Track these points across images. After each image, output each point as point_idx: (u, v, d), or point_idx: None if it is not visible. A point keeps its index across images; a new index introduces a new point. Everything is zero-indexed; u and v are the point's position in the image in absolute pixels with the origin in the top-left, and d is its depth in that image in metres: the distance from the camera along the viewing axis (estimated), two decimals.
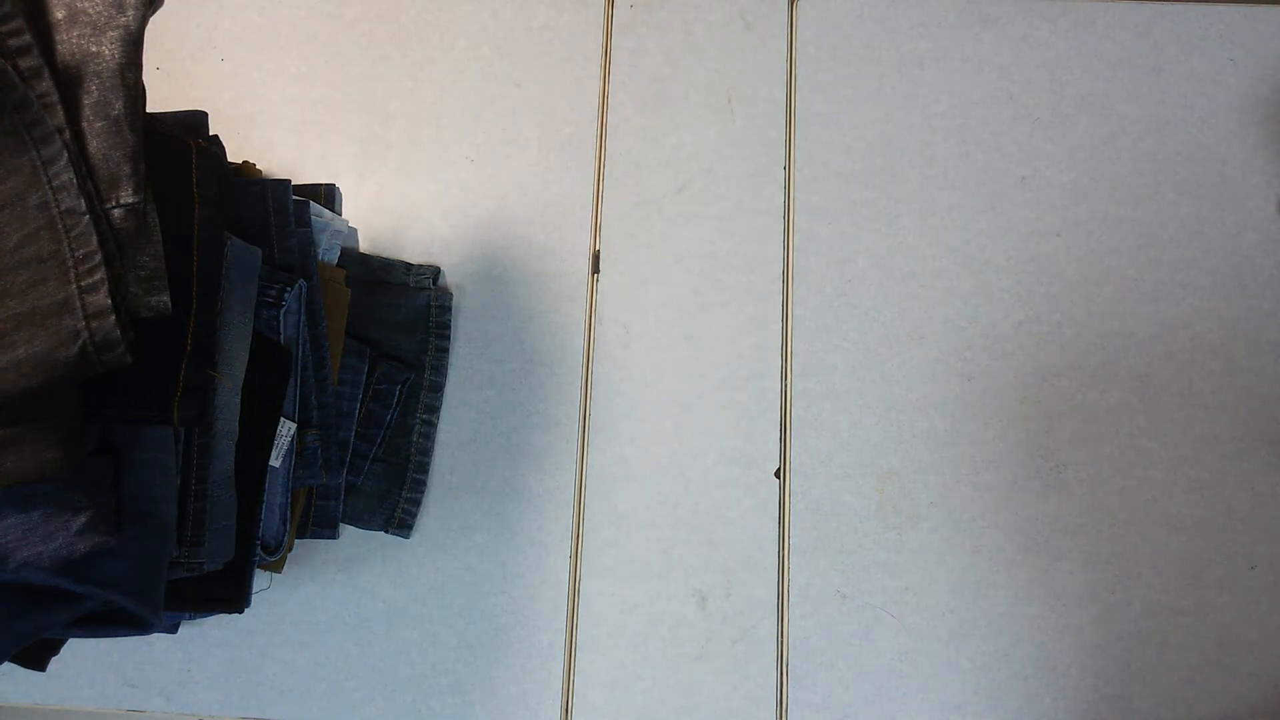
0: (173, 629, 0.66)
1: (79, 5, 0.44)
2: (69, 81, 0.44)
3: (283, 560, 0.67)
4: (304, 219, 0.65)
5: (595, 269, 0.77)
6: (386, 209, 0.78)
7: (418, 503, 0.73)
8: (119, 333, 0.43)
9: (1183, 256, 0.74)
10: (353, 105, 0.81)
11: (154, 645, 0.72)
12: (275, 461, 0.61)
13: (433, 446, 0.74)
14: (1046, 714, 0.66)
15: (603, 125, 0.79)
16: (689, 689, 0.69)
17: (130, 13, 0.45)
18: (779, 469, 0.73)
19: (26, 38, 0.42)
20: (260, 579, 0.70)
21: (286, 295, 0.61)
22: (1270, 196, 0.75)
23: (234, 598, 0.60)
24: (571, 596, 0.71)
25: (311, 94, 0.81)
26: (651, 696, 0.69)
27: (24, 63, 0.42)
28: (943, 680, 0.68)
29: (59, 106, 0.43)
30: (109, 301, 0.43)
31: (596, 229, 0.78)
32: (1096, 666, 0.67)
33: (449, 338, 0.75)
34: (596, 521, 0.72)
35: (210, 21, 0.83)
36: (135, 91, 0.46)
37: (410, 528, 0.72)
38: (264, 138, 0.80)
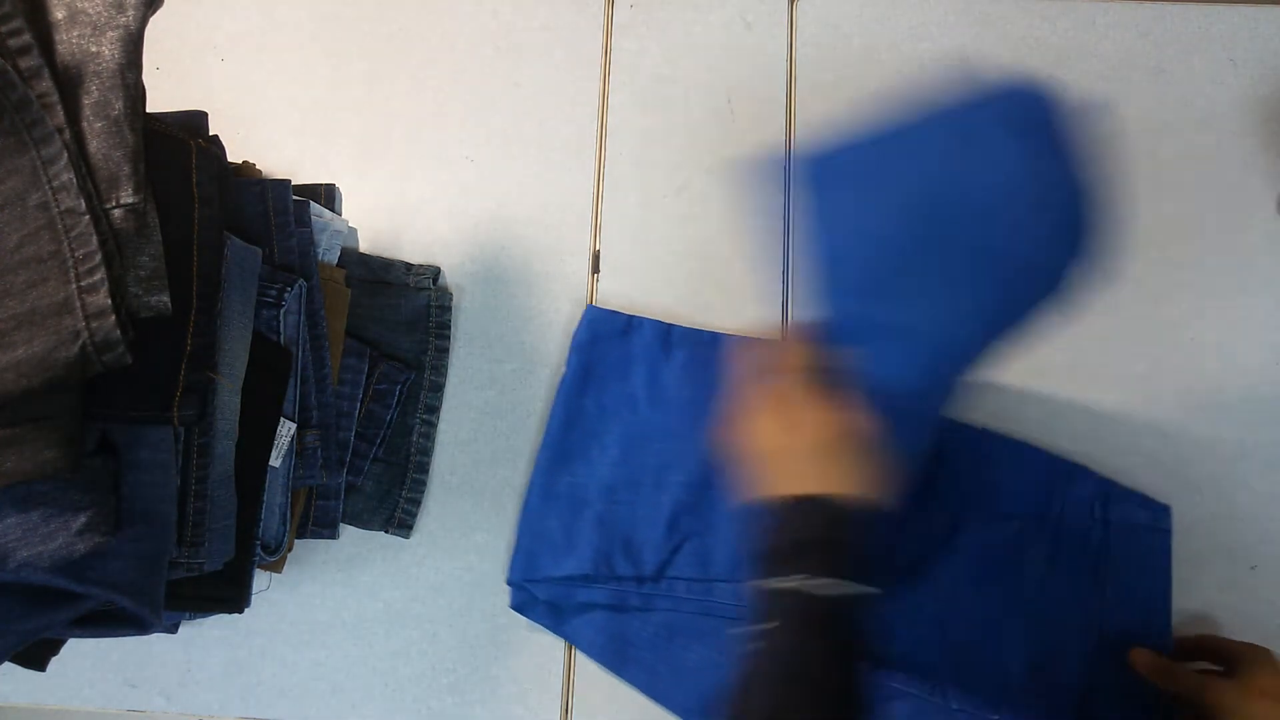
0: (173, 629, 0.66)
1: (79, 5, 0.44)
2: (69, 81, 0.44)
3: (283, 560, 0.67)
4: (304, 219, 0.65)
5: (595, 269, 0.77)
6: (386, 209, 0.78)
7: (418, 503, 0.73)
8: (119, 333, 0.43)
9: (1183, 256, 0.74)
10: (353, 105, 0.81)
11: (154, 645, 0.72)
12: (275, 461, 0.61)
13: (433, 446, 0.74)
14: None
15: (603, 125, 0.79)
16: None
17: (130, 13, 0.45)
18: None
19: (27, 37, 0.42)
20: (260, 579, 0.70)
21: (286, 295, 0.61)
22: (1270, 196, 0.75)
23: (234, 598, 0.60)
24: None
25: (311, 94, 0.81)
26: None
27: (24, 63, 0.42)
28: None
29: (59, 106, 0.43)
30: (109, 302, 0.43)
31: (596, 229, 0.78)
32: None
33: (449, 338, 0.75)
34: None
35: (210, 21, 0.83)
36: (135, 91, 0.46)
37: (410, 528, 0.72)
38: (264, 138, 0.80)
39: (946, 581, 0.65)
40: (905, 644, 0.64)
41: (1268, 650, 0.59)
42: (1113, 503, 0.66)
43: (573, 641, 0.69)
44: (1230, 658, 0.60)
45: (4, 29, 0.42)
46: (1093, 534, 0.65)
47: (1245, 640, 0.61)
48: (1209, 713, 0.57)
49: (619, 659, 0.67)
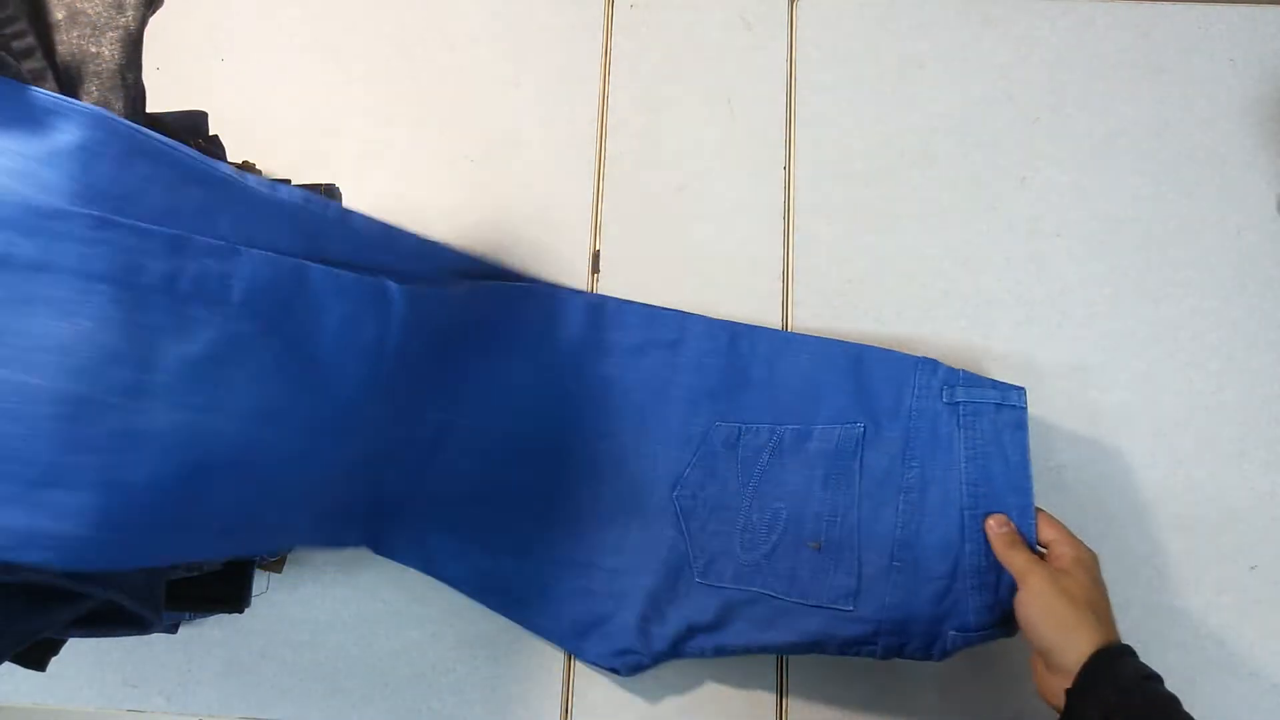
0: (173, 629, 0.66)
1: (79, 6, 0.44)
2: (69, 82, 0.44)
3: (282, 561, 0.67)
4: None
5: (595, 269, 0.77)
6: (387, 209, 0.78)
7: None
8: None
9: (1183, 256, 0.74)
10: (353, 105, 0.81)
11: (154, 645, 0.72)
12: None
13: None
14: (1044, 713, 0.66)
15: (603, 125, 0.79)
16: (689, 689, 0.69)
17: (130, 13, 0.45)
18: None
19: (31, 40, 0.42)
20: (260, 580, 0.70)
21: None
22: (1270, 196, 0.75)
23: (234, 598, 0.60)
24: None
25: (311, 94, 0.81)
26: (652, 696, 0.69)
27: (29, 65, 0.42)
28: (942, 680, 0.68)
29: None
30: None
31: (596, 229, 0.78)
32: None
33: None
34: None
35: (210, 21, 0.83)
36: (135, 92, 0.46)
37: None
38: (264, 138, 0.80)
39: (795, 486, 0.67)
40: (762, 549, 0.66)
41: (1094, 556, 0.58)
42: (961, 387, 0.66)
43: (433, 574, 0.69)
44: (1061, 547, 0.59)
45: (9, 31, 0.42)
46: (942, 420, 0.65)
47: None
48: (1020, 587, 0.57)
49: (484, 591, 0.68)
